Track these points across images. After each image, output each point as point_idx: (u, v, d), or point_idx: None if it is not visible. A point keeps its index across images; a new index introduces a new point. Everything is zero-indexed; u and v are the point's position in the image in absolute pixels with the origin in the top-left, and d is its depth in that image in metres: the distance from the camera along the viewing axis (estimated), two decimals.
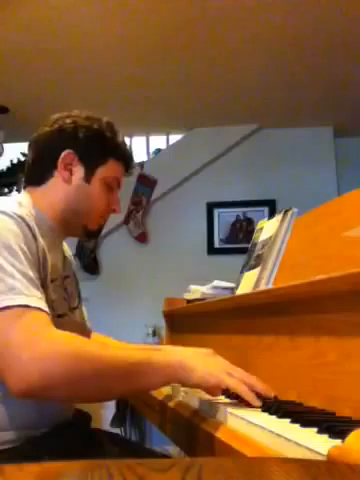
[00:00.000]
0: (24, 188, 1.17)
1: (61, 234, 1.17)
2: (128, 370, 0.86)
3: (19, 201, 1.06)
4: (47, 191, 1.13)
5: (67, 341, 0.86)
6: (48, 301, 0.97)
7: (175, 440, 1.10)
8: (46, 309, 0.90)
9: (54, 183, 1.13)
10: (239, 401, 0.91)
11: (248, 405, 0.86)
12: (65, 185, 1.12)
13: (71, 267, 1.26)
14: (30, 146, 1.17)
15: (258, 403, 0.85)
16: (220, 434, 0.79)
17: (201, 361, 0.89)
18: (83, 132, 1.13)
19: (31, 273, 0.92)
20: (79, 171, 1.13)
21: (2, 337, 0.84)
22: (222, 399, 0.98)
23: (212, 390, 0.91)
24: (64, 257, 1.21)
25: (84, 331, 1.25)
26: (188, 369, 0.87)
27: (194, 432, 0.88)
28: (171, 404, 1.13)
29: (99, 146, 1.14)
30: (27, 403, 0.95)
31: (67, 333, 0.87)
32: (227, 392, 0.96)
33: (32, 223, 0.99)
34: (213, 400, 0.95)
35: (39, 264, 0.99)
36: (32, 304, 0.87)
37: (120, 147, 1.18)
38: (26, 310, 0.86)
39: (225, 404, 0.91)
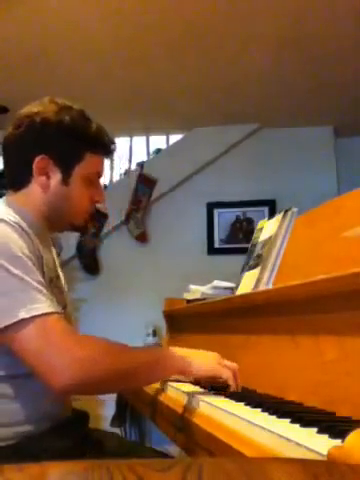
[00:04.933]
0: (7, 190, 1.13)
1: (48, 231, 1.15)
2: (146, 365, 1.02)
3: (7, 204, 1.05)
4: (28, 195, 1.08)
5: (99, 344, 0.98)
6: None
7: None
8: (61, 311, 0.98)
9: (32, 188, 1.08)
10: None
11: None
12: (43, 191, 1.07)
13: (58, 263, 1.26)
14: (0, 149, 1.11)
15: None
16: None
17: (198, 357, 1.05)
18: (53, 130, 1.05)
19: (42, 279, 0.97)
20: (56, 175, 1.07)
21: (38, 343, 0.91)
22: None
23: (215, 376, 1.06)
24: (54, 254, 1.21)
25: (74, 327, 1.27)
26: (187, 363, 1.03)
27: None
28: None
29: (72, 143, 1.07)
30: (26, 400, 0.98)
31: (95, 337, 0.99)
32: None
33: (26, 227, 0.99)
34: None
35: (39, 266, 1.01)
36: (53, 310, 0.94)
37: (95, 137, 1.10)
38: (49, 317, 0.93)
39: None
